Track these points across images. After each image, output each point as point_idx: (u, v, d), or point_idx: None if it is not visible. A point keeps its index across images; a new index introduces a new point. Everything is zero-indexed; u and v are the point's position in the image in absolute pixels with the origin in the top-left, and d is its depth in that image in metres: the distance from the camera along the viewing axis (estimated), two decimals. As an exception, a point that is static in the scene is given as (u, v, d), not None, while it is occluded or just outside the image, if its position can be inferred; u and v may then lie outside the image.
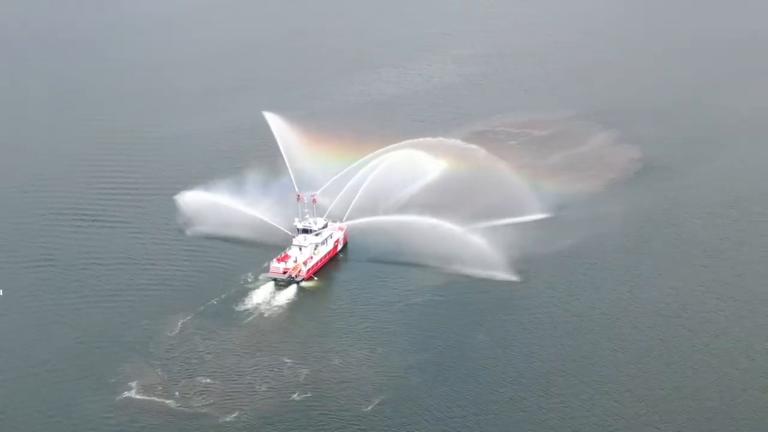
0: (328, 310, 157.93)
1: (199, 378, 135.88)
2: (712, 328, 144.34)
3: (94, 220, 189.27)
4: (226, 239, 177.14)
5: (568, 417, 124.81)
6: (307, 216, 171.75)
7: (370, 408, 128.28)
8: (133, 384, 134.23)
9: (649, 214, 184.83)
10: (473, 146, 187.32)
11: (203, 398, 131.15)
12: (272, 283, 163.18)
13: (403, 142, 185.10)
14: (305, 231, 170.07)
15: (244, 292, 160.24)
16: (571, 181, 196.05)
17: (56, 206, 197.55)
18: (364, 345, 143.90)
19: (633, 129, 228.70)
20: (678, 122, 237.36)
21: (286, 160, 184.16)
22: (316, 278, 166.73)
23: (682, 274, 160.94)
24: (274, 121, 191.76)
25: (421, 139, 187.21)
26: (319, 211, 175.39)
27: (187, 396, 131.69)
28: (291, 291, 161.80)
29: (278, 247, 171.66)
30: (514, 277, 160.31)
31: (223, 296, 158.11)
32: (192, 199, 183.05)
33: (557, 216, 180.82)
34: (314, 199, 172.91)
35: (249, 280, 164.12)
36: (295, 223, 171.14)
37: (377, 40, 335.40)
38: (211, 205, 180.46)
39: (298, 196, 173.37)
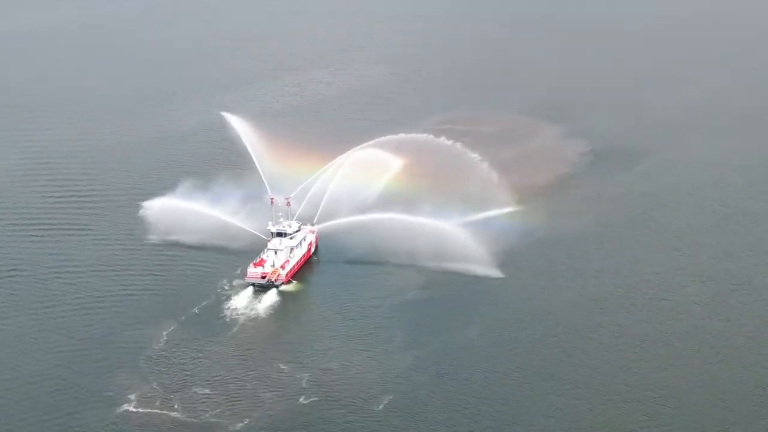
0: (314, 314, 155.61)
1: (197, 388, 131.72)
2: (700, 310, 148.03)
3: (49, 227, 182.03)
4: (193, 246, 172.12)
5: (582, 400, 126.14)
6: (281, 219, 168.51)
7: (381, 407, 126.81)
8: (132, 396, 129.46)
9: (612, 204, 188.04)
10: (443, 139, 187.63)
11: (208, 408, 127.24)
12: (250, 288, 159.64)
13: (372, 141, 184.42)
14: (279, 234, 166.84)
15: (224, 299, 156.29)
16: (529, 176, 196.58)
17: (12, 217, 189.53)
18: (358, 346, 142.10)
19: (576, 123, 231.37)
20: (618, 115, 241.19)
21: (255, 162, 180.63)
22: (294, 282, 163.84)
23: (659, 260, 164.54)
24: (238, 123, 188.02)
25: (389, 137, 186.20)
26: (289, 215, 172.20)
27: (191, 407, 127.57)
28: (272, 296, 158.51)
29: (245, 251, 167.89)
30: (494, 271, 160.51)
31: (203, 304, 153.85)
32: (154, 206, 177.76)
33: (523, 209, 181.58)
34: (288, 202, 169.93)
35: (225, 286, 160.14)
36: (269, 227, 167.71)
37: (303, 41, 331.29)
38: (175, 210, 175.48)
39: (272, 199, 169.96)
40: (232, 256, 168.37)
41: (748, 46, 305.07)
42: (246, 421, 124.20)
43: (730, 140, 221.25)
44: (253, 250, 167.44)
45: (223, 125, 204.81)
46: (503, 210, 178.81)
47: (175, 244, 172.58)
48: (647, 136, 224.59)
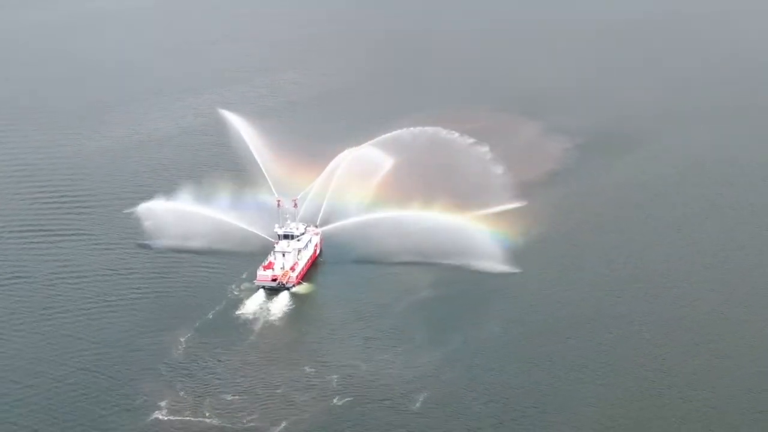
0: (329, 315, 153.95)
1: (225, 394, 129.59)
2: (716, 297, 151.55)
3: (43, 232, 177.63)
4: (197, 249, 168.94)
5: (617, 388, 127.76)
6: (288, 221, 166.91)
7: (419, 404, 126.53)
8: (162, 404, 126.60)
9: (607, 196, 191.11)
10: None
11: (241, 413, 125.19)
12: (261, 291, 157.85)
13: (373, 140, 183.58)
14: (287, 237, 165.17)
15: (236, 303, 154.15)
16: (524, 171, 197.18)
17: (12, 221, 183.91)
18: (381, 345, 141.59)
19: (556, 119, 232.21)
20: (597, 110, 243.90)
21: (259, 163, 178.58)
22: (304, 283, 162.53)
23: (665, 250, 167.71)
24: (239, 123, 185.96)
25: (388, 135, 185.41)
26: (295, 216, 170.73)
27: (224, 413, 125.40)
28: (284, 298, 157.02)
29: (251, 253, 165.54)
30: (503, 266, 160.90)
31: (216, 309, 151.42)
32: (154, 210, 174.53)
33: (522, 206, 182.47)
34: (295, 204, 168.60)
35: (235, 291, 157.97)
36: (275, 229, 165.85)
37: (264, 42, 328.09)
38: (177, 214, 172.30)
39: (278, 201, 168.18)
40: (238, 259, 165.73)
41: (730, 43, 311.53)
42: (283, 425, 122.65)
43: (712, 132, 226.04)
44: (259, 253, 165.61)
45: (217, 126, 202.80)
46: (507, 206, 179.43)
47: (178, 248, 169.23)
48: (628, 130, 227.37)
